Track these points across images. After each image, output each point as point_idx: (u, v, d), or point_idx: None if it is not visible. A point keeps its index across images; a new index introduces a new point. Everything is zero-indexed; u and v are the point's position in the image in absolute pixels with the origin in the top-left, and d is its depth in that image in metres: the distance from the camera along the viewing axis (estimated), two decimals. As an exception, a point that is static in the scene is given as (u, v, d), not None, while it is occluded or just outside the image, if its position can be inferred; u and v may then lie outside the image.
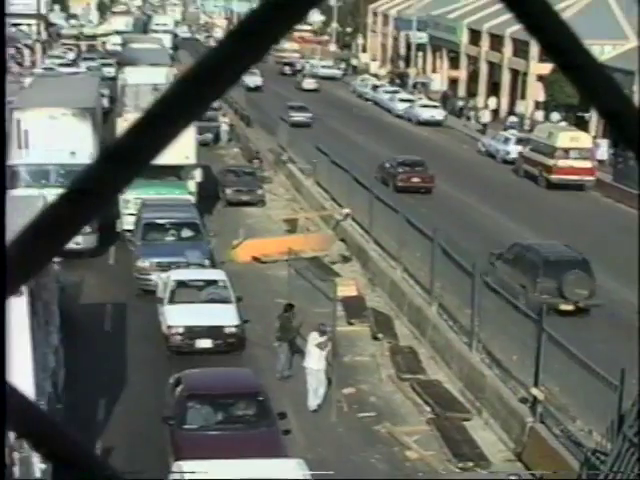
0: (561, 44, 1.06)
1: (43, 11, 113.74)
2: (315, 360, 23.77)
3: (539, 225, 42.19)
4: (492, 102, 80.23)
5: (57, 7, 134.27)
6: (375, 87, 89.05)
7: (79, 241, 35.44)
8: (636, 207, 48.23)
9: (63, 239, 1.04)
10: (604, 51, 65.93)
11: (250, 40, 0.99)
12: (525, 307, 25.00)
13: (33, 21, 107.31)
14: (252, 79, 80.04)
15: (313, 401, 23.54)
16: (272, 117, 62.00)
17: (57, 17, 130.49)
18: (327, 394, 23.87)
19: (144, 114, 1.00)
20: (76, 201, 1.01)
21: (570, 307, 31.11)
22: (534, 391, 21.78)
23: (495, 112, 76.73)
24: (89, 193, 1.02)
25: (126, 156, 1.00)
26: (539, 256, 32.85)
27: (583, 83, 1.10)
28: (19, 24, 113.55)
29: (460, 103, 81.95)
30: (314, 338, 24.11)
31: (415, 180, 47.81)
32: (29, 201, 28.43)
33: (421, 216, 33.70)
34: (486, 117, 71.52)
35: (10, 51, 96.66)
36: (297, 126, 64.62)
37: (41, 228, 1.03)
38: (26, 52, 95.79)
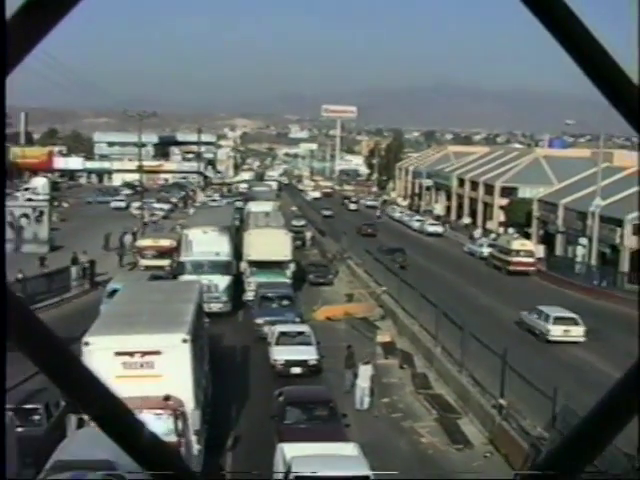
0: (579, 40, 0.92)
1: (202, 169, 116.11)
2: (363, 380, 23.67)
3: (497, 293, 42.08)
4: (467, 219, 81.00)
5: (210, 167, 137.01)
6: (400, 212, 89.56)
7: (221, 307, 35.72)
8: (557, 286, 48.08)
9: None
10: (539, 191, 65.82)
11: None
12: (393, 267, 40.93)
13: (196, 175, 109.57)
14: (327, 212, 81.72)
15: (359, 405, 23.29)
16: (337, 230, 62.24)
17: (209, 172, 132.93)
18: (371, 402, 23.65)
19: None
20: None
21: (398, 265, 45.42)
22: (501, 401, 21.46)
23: (472, 225, 76.97)
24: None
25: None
26: (388, 248, 52.57)
27: (591, 69, 0.94)
28: (187, 177, 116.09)
29: (448, 220, 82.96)
30: (362, 367, 24.08)
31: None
32: (190, 283, 28.77)
33: (427, 290, 33.38)
34: (477, 234, 71.33)
35: (182, 193, 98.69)
36: (327, 217, 76.77)
37: None
38: (192, 194, 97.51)
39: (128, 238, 51.48)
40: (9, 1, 0.91)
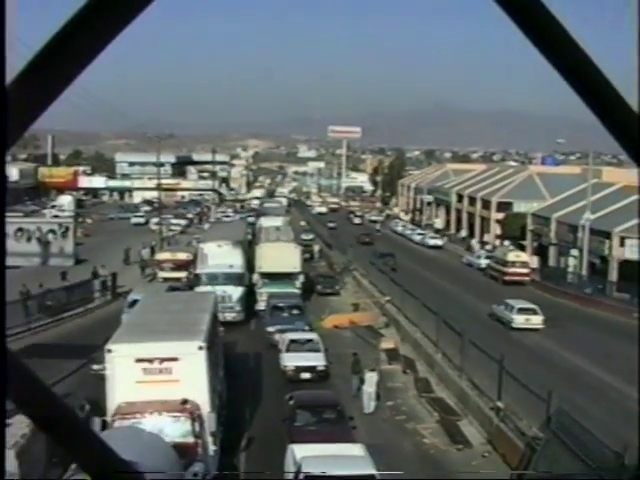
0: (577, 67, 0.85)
1: (216, 187, 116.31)
2: (369, 385, 23.54)
3: (493, 301, 42.00)
4: (463, 232, 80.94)
5: (224, 185, 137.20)
6: (403, 226, 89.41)
7: (235, 316, 35.62)
8: (551, 295, 47.96)
9: None
10: (533, 206, 65.71)
11: None
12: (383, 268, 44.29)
13: (211, 192, 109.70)
14: (331, 224, 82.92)
15: (366, 409, 23.14)
16: (343, 243, 62.33)
17: (224, 190, 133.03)
18: (377, 406, 23.49)
19: None
20: None
21: (389, 268, 47.42)
22: (498, 403, 21.36)
23: (468, 238, 76.97)
24: None
25: None
26: (380, 253, 55.81)
27: (596, 101, 0.85)
28: (203, 194, 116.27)
29: (448, 234, 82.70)
30: (368, 373, 23.95)
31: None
32: (205, 294, 28.71)
33: (429, 299, 33.24)
34: (475, 244, 71.20)
35: (198, 209, 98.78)
36: (331, 229, 78.91)
37: None
38: (207, 210, 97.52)
39: (145, 252, 51.68)
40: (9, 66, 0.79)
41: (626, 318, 38.28)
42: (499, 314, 38.31)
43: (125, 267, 48.93)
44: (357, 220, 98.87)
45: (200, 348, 17.31)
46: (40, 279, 36.38)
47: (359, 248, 62.09)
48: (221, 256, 37.53)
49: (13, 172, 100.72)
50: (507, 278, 51.80)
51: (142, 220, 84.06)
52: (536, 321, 36.74)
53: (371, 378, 23.60)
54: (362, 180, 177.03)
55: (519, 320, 36.66)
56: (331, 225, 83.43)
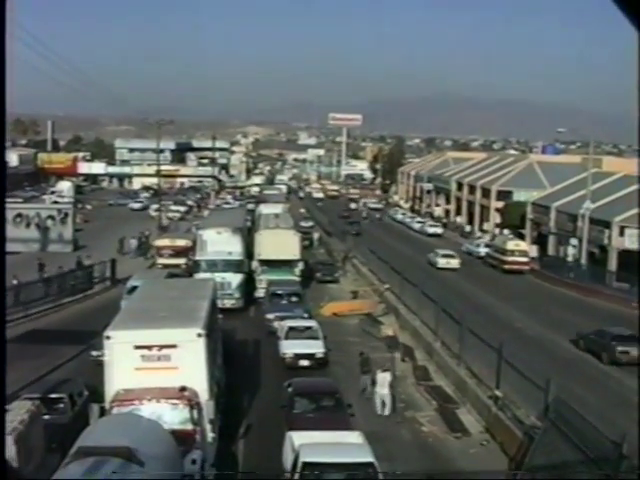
0: None
1: (216, 174, 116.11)
2: (381, 387, 22.59)
3: (494, 289, 41.95)
4: (460, 219, 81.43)
5: (223, 171, 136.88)
6: (402, 214, 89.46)
7: (234, 303, 35.57)
8: (550, 284, 47.98)
9: None
10: (532, 195, 65.64)
11: None
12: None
13: (211, 179, 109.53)
14: (320, 203, 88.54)
15: (380, 411, 22.27)
16: (342, 230, 62.45)
17: (223, 177, 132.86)
18: (392, 408, 22.47)
19: None
20: None
21: (355, 232, 61.73)
22: (496, 392, 21.34)
23: (465, 224, 77.34)
24: None
25: None
26: (350, 221, 67.69)
27: None
28: (202, 181, 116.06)
29: (444, 221, 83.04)
30: (381, 375, 22.89)
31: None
32: (205, 281, 28.65)
33: (430, 287, 33.16)
34: (480, 241, 71.40)
35: (197, 196, 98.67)
36: (320, 207, 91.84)
37: None
38: (206, 196, 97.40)
39: (133, 242, 51.95)
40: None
41: (625, 307, 38.27)
42: (431, 259, 52.81)
43: (120, 257, 48.71)
44: (353, 205, 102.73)
45: (199, 335, 17.21)
46: (19, 269, 33.30)
47: (339, 221, 74.44)
48: (220, 243, 37.44)
49: (13, 158, 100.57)
50: (506, 267, 51.81)
51: (138, 205, 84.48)
52: (454, 263, 51.67)
53: (384, 380, 22.60)
54: (362, 168, 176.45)
55: (442, 262, 51.65)
56: (319, 204, 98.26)
